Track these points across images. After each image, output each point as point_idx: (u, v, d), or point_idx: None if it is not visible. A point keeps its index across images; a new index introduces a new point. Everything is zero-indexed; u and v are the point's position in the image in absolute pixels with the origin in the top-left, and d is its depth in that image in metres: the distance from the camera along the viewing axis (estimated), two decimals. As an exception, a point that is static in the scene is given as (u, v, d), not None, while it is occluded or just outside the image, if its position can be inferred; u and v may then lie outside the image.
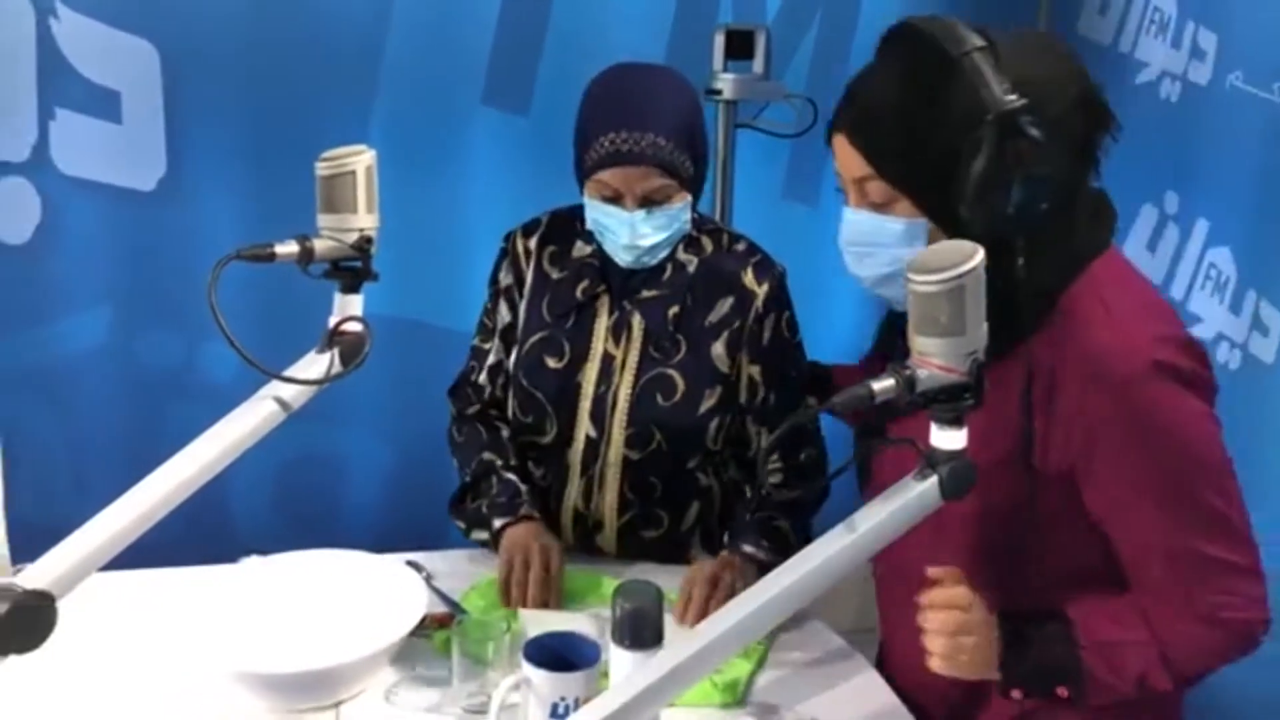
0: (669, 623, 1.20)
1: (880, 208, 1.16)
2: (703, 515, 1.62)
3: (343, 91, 2.09)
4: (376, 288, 1.26)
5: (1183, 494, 1.12)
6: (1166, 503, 1.12)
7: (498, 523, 1.54)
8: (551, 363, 1.57)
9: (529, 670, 1.15)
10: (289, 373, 1.19)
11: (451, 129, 2.14)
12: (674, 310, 1.53)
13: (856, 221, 1.18)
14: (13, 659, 0.97)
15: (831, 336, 2.13)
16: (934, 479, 1.02)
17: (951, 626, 1.13)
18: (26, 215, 2.04)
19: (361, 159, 1.20)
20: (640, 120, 1.41)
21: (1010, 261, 1.08)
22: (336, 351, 1.23)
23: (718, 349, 1.54)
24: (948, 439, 1.02)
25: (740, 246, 1.57)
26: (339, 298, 1.25)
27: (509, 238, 1.65)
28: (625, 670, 1.15)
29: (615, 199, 1.46)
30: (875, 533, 1.03)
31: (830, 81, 2.24)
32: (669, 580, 1.38)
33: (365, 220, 1.21)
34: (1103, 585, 1.18)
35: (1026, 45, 1.12)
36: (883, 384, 0.99)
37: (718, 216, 2.19)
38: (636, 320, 1.54)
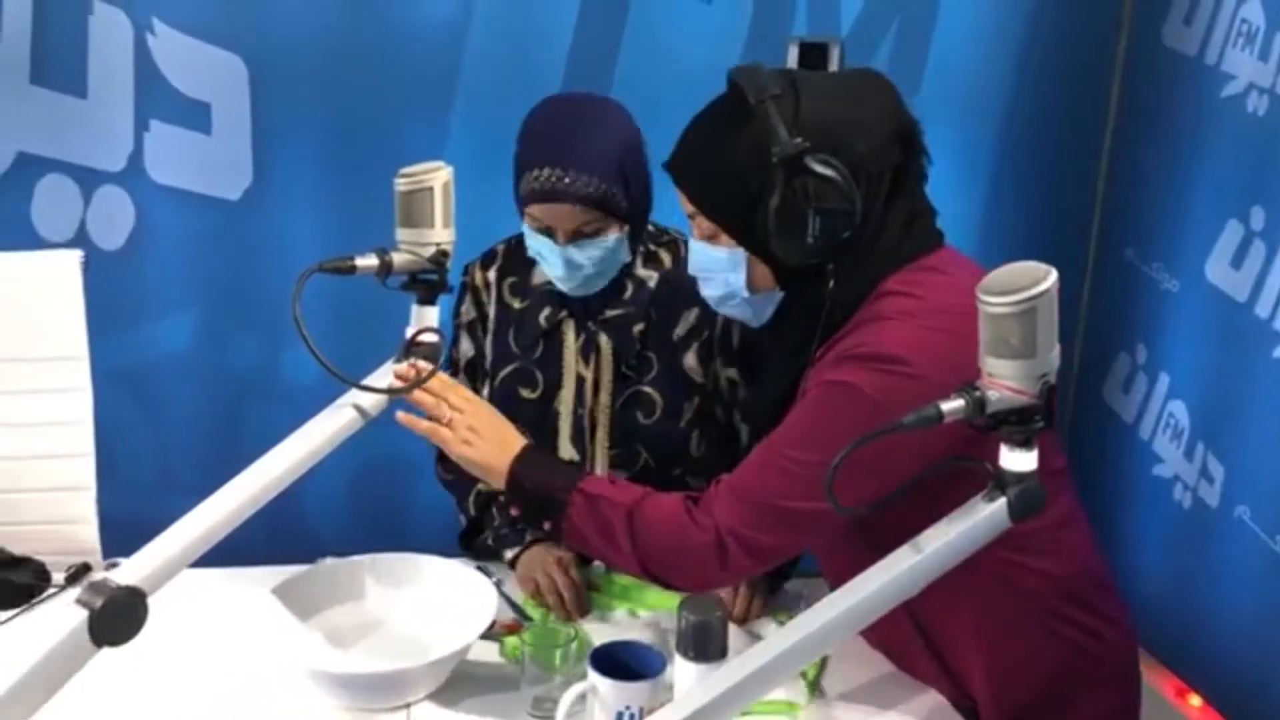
0: (733, 635, 1.21)
1: (710, 238, 1.27)
2: None
3: (422, 104, 2.13)
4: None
5: (779, 443, 1.22)
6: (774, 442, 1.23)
7: (509, 554, 1.57)
8: (526, 393, 1.57)
9: (595, 678, 1.17)
10: (367, 381, 1.23)
11: (527, 140, 2.18)
12: (639, 327, 1.54)
13: (694, 251, 1.31)
14: (104, 651, 1.01)
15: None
16: (1003, 500, 1.02)
17: (462, 405, 1.29)
18: (121, 223, 2.13)
19: (439, 175, 1.23)
20: (565, 158, 1.41)
21: (821, 285, 1.22)
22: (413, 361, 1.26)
23: (690, 360, 1.55)
24: (1017, 460, 1.02)
25: None
26: (415, 309, 1.28)
27: (467, 270, 1.64)
28: (689, 682, 1.16)
29: (548, 232, 1.47)
30: (941, 554, 1.03)
31: (905, 94, 2.23)
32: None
33: (442, 235, 1.24)
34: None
35: (841, 89, 1.24)
36: (952, 404, 0.99)
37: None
38: (604, 340, 1.55)
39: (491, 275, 1.62)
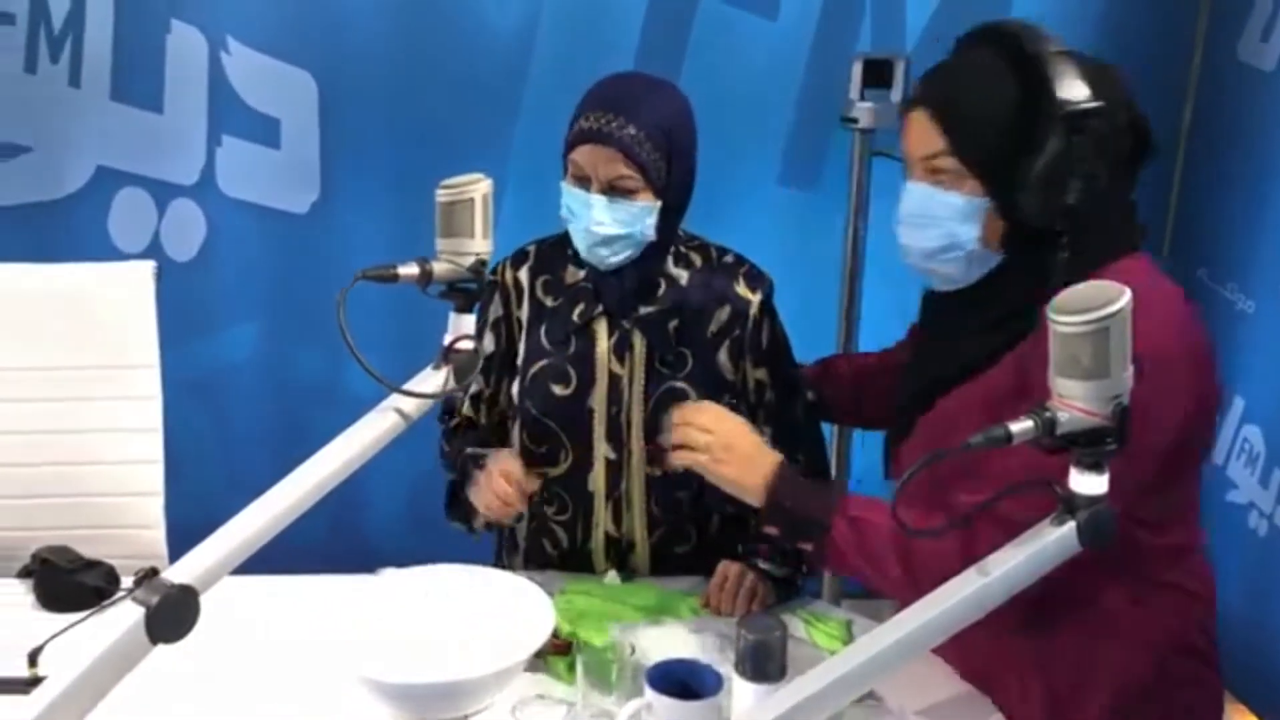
0: (794, 656, 1.19)
1: (945, 184, 1.23)
2: (725, 526, 1.63)
3: (486, 121, 2.16)
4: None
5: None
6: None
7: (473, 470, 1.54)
8: (558, 390, 1.57)
9: (652, 696, 1.16)
10: (407, 386, 1.24)
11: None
12: (674, 324, 1.55)
13: (917, 193, 1.25)
14: (161, 651, 1.03)
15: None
16: (1071, 525, 0.99)
17: (711, 425, 1.32)
18: (193, 234, 2.18)
19: (479, 187, 1.24)
20: (618, 106, 1.44)
21: (1049, 254, 1.18)
22: (450, 368, 1.27)
23: (722, 358, 1.56)
24: (1088, 484, 0.99)
25: (728, 258, 1.58)
26: (453, 317, 1.29)
27: (496, 269, 1.63)
28: (747, 702, 1.15)
29: (585, 183, 1.47)
30: (1008, 577, 1.01)
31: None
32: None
33: (481, 245, 1.25)
34: None
35: (1096, 66, 1.19)
36: (1021, 425, 0.97)
37: (850, 244, 2.18)
38: (638, 339, 1.55)
39: (523, 275, 1.62)
